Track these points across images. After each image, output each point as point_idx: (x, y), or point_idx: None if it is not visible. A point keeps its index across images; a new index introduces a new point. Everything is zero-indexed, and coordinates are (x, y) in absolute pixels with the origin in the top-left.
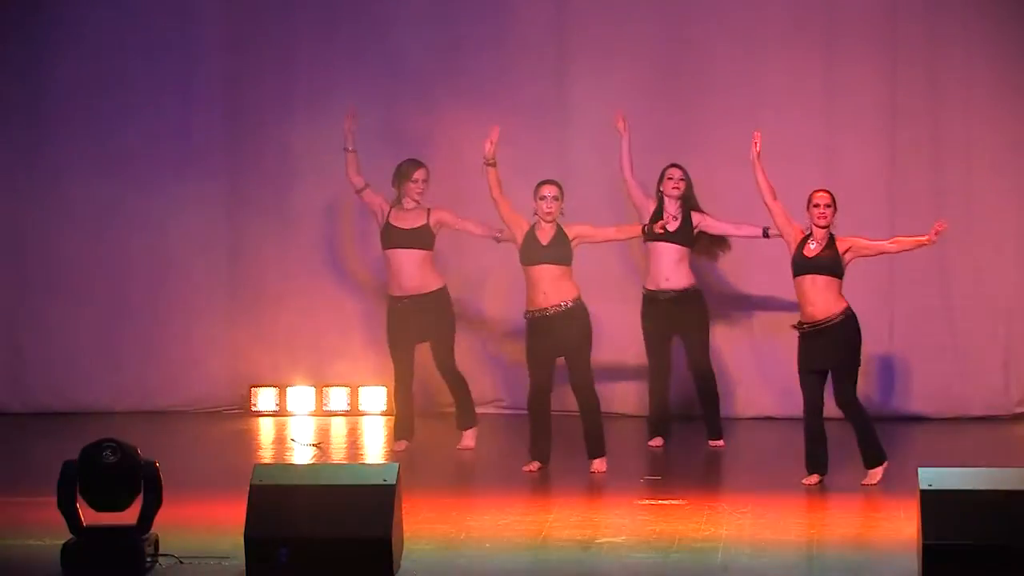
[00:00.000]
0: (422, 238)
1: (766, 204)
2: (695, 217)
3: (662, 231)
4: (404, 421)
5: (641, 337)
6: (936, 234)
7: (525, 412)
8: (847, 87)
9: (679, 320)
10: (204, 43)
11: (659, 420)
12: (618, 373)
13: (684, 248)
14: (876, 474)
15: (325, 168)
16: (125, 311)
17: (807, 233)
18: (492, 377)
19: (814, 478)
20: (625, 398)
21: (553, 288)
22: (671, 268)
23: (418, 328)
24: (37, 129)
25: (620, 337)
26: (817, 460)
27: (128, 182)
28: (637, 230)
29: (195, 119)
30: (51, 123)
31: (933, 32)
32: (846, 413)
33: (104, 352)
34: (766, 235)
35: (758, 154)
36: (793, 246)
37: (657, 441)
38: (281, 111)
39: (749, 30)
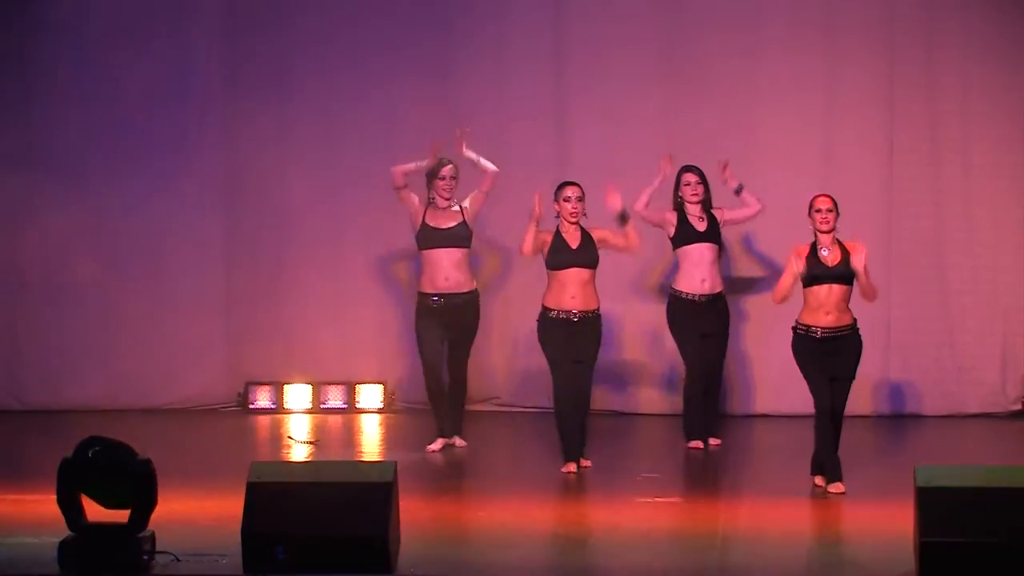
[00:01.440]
0: (461, 236)
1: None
2: (717, 213)
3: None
4: (445, 418)
5: (645, 337)
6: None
7: (520, 409)
8: (845, 88)
9: (710, 322)
10: (202, 39)
11: (701, 421)
12: (617, 373)
13: (717, 247)
14: (842, 485)
15: (321, 166)
16: (121, 309)
17: (813, 242)
18: (488, 375)
19: (837, 486)
20: (627, 397)
21: (582, 293)
22: (708, 270)
23: (448, 326)
24: (31, 127)
25: (632, 337)
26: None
27: (124, 179)
28: (632, 234)
29: (191, 116)
30: (46, 121)
31: (930, 33)
32: (835, 420)
33: (100, 350)
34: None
35: (737, 188)
36: (801, 259)
37: (698, 443)
38: (278, 110)
39: (747, 31)
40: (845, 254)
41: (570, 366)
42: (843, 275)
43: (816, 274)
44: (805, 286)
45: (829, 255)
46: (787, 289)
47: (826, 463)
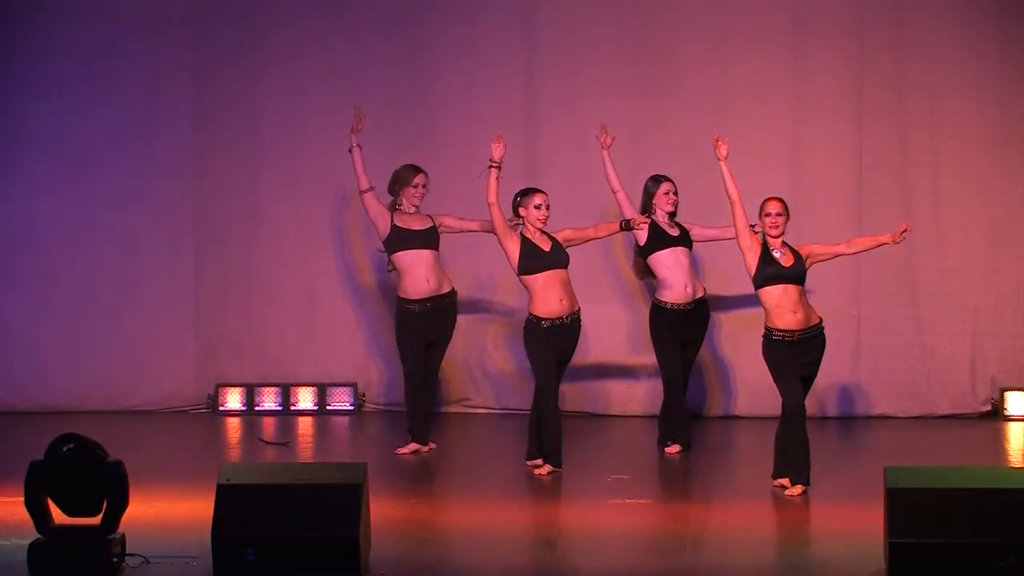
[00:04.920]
0: (432, 238)
1: (733, 204)
2: (686, 226)
3: (640, 226)
4: (420, 424)
5: (618, 338)
6: (900, 234)
7: (490, 411)
8: (815, 91)
9: (692, 330)
10: (172, 45)
11: (680, 424)
12: (589, 374)
13: (690, 251)
14: (799, 490)
15: (292, 168)
16: (90, 310)
17: (763, 242)
18: (458, 377)
19: (798, 488)
20: (598, 398)
21: (567, 294)
22: (687, 274)
23: (432, 329)
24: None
25: (605, 338)
26: (806, 469)
27: (92, 181)
28: (614, 227)
29: (161, 117)
30: (14, 121)
31: (900, 36)
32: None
33: (69, 351)
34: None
35: (726, 156)
36: (752, 254)
37: (675, 448)
38: (248, 112)
39: (717, 36)
40: (796, 255)
41: (555, 369)
42: (796, 276)
43: (770, 275)
44: (758, 287)
45: (782, 257)
46: (744, 218)
47: (801, 464)
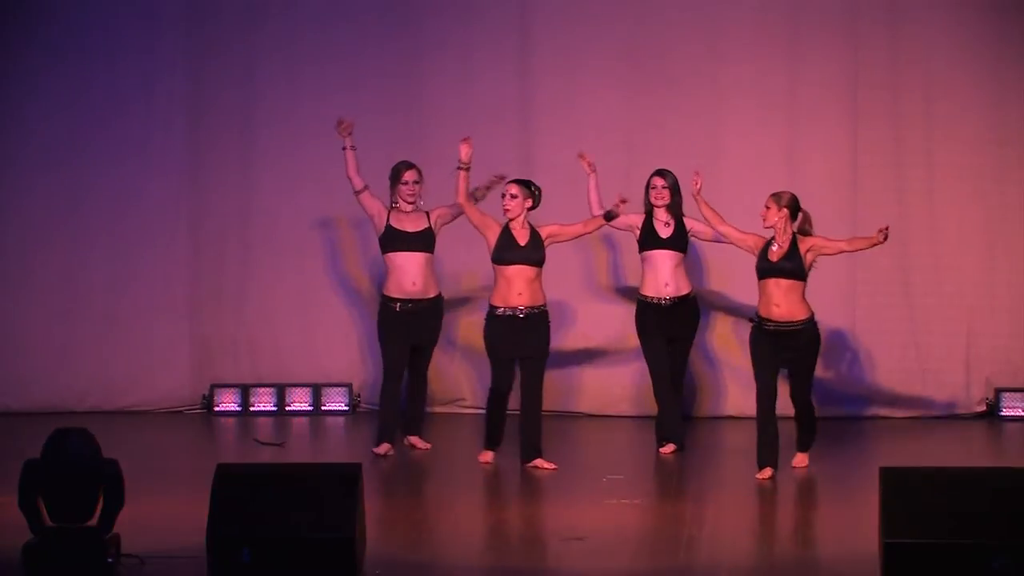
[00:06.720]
0: (426, 241)
1: (717, 231)
2: (687, 223)
3: (620, 205)
4: (391, 423)
5: (613, 338)
6: (880, 233)
7: (484, 411)
8: (809, 90)
9: (674, 325)
10: (167, 45)
11: (672, 424)
12: (583, 374)
13: (680, 254)
14: (805, 458)
15: (287, 168)
16: (85, 309)
17: (770, 238)
18: (452, 377)
19: (767, 471)
20: (593, 398)
21: (529, 289)
22: (669, 274)
23: (415, 331)
24: None
25: (600, 337)
26: (772, 454)
27: (87, 180)
28: (600, 221)
29: (157, 117)
30: (8, 126)
31: (895, 33)
32: (799, 408)
33: (64, 351)
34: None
35: (699, 190)
36: (756, 253)
37: (669, 448)
38: (244, 113)
39: (712, 33)
40: (794, 250)
41: (510, 363)
42: (786, 270)
43: (763, 267)
44: (758, 278)
45: (777, 250)
46: (733, 232)
47: (767, 446)
